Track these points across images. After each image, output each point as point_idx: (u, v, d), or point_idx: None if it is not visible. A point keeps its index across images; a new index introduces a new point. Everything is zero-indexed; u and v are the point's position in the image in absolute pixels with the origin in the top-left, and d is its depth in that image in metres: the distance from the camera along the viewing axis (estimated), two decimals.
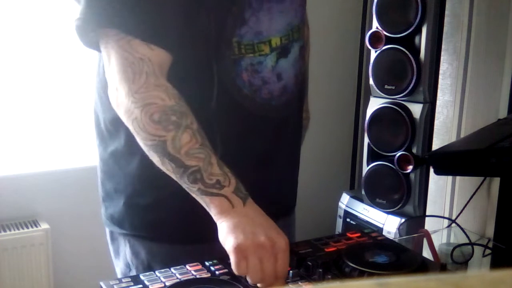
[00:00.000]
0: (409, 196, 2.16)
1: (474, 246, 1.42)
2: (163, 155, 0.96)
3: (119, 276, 1.23)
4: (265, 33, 1.09)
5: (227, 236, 0.92)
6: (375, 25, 2.15)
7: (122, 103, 0.99)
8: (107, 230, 1.25)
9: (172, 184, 0.98)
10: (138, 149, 1.01)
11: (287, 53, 1.13)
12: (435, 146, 1.73)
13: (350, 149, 2.86)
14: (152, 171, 1.00)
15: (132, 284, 0.95)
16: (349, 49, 2.78)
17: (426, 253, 1.37)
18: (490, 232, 1.58)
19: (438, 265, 1.06)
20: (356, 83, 2.79)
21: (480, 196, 1.57)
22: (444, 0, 1.73)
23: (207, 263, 1.02)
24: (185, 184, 0.97)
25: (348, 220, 2.44)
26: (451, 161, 1.31)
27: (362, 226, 2.25)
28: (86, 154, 2.23)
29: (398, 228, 2.10)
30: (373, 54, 2.18)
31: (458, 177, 1.66)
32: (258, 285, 0.92)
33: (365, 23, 2.70)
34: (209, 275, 0.99)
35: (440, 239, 1.55)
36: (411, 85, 2.07)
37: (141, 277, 0.97)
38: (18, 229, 2.15)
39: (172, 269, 1.00)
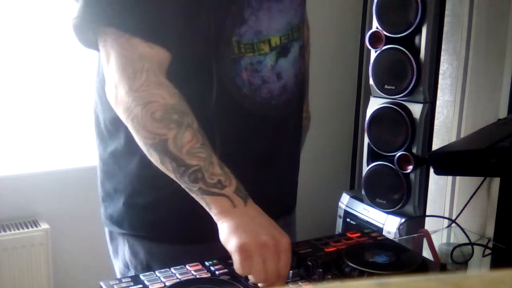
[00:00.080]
0: (409, 196, 2.16)
1: (474, 246, 1.42)
2: (164, 154, 0.96)
3: (118, 276, 1.23)
4: (265, 33, 1.09)
5: (230, 236, 0.92)
6: (375, 25, 2.15)
7: (122, 101, 0.98)
8: (106, 230, 1.25)
9: (172, 184, 0.98)
10: (137, 149, 1.01)
11: (286, 53, 1.13)
12: (435, 146, 1.73)
13: (350, 149, 2.86)
14: (152, 171, 1.00)
15: (132, 284, 0.95)
16: (349, 49, 2.78)
17: (426, 253, 1.37)
18: (490, 232, 1.58)
19: (438, 265, 1.06)
20: (356, 83, 2.79)
21: (480, 196, 1.57)
22: (444, 0, 1.73)
23: (207, 263, 1.02)
24: (185, 184, 0.96)
25: (348, 220, 2.44)
26: (451, 161, 1.31)
27: (362, 226, 2.25)
28: (86, 154, 2.23)
29: (398, 228, 2.10)
30: (373, 54, 2.18)
31: (458, 177, 1.66)
32: (259, 285, 0.92)
33: (365, 23, 2.70)
34: (209, 275, 0.99)
35: (440, 239, 1.55)
36: (411, 85, 2.07)
37: (141, 277, 0.97)
38: (18, 229, 2.15)
39: (172, 269, 1.00)
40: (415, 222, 2.02)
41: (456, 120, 1.66)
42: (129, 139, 1.04)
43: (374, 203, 2.27)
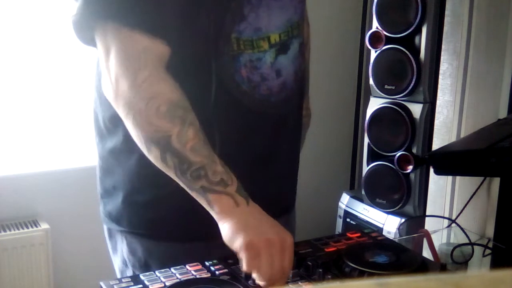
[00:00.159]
0: (409, 196, 2.16)
1: (474, 246, 1.42)
2: (167, 149, 0.96)
3: (117, 273, 1.23)
4: (264, 29, 1.09)
5: (235, 235, 0.92)
6: (375, 25, 2.15)
7: (123, 95, 0.98)
8: (105, 227, 1.25)
9: (171, 183, 0.98)
10: (136, 146, 1.01)
11: (286, 50, 1.13)
12: (435, 146, 1.73)
13: (350, 149, 2.86)
14: (151, 169, 1.00)
15: (132, 284, 0.95)
16: (349, 49, 2.78)
17: (426, 253, 1.37)
18: (490, 232, 1.58)
19: (438, 265, 1.06)
20: (356, 83, 2.79)
21: (480, 196, 1.57)
22: (444, 0, 1.73)
23: (207, 263, 1.02)
24: (186, 181, 0.96)
25: (348, 220, 2.44)
26: (451, 161, 1.31)
27: (362, 226, 2.25)
28: (86, 154, 2.23)
29: (398, 228, 2.10)
30: (373, 54, 2.18)
31: (458, 177, 1.66)
32: (261, 283, 0.92)
33: (365, 23, 2.70)
34: (209, 275, 0.99)
35: (440, 239, 1.55)
36: (411, 85, 2.07)
37: (141, 277, 0.97)
38: (18, 229, 2.15)
39: (172, 269, 1.00)
40: (415, 222, 2.02)
41: (456, 120, 1.66)
42: (128, 136, 1.04)
43: (374, 203, 2.27)
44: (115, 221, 1.19)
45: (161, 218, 1.14)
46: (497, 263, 1.48)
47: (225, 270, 0.99)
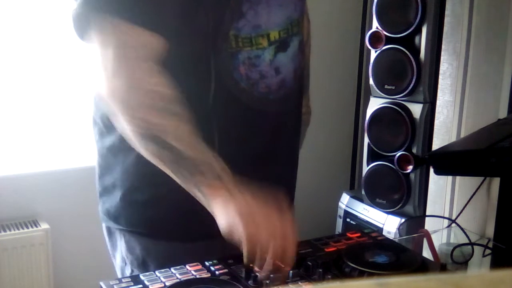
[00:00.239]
0: (409, 196, 2.16)
1: (474, 246, 1.42)
2: (163, 144, 0.96)
3: (117, 270, 1.23)
4: (264, 27, 1.08)
5: (233, 227, 0.92)
6: (375, 25, 2.15)
7: (119, 91, 0.98)
8: (104, 226, 1.24)
9: (170, 181, 0.98)
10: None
11: (286, 47, 1.13)
12: (435, 146, 1.73)
13: (350, 149, 2.86)
14: (150, 167, 1.00)
15: (132, 284, 0.95)
16: (349, 49, 2.78)
17: (426, 253, 1.37)
18: (490, 232, 1.58)
19: (438, 265, 1.06)
20: (356, 83, 2.79)
21: (480, 196, 1.57)
22: (444, 0, 1.73)
23: (207, 263, 1.02)
24: (182, 177, 0.96)
25: (348, 220, 2.44)
26: (451, 161, 1.31)
27: (362, 226, 2.25)
28: (86, 154, 2.23)
29: (398, 228, 2.10)
30: (373, 54, 2.18)
31: (458, 177, 1.66)
32: (264, 273, 0.92)
33: (365, 23, 2.70)
34: (209, 275, 0.99)
35: (440, 239, 1.55)
36: (411, 85, 2.08)
37: (141, 277, 0.97)
38: (18, 229, 2.15)
39: (172, 269, 1.00)
40: (415, 222, 2.02)
41: (456, 120, 1.66)
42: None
43: (374, 203, 2.27)
44: (113, 219, 1.18)
45: (160, 217, 1.14)
46: (497, 263, 1.48)
47: (225, 270, 0.99)
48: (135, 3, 0.99)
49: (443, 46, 1.71)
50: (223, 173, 0.96)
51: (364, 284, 0.35)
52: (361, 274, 0.97)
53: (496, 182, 1.57)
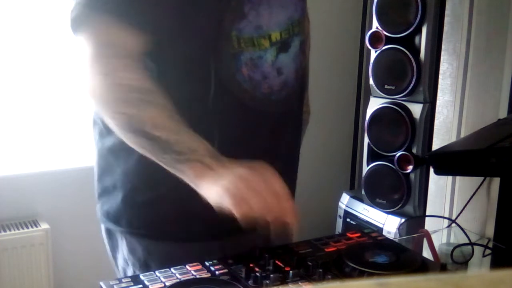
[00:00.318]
0: (409, 196, 2.16)
1: (474, 246, 1.42)
2: (144, 134, 0.98)
3: (120, 271, 1.23)
4: (265, 28, 1.08)
5: (225, 205, 0.92)
6: (375, 25, 2.15)
7: (98, 87, 1.01)
8: (103, 227, 1.24)
9: (171, 182, 0.98)
10: None
11: (287, 48, 1.13)
12: (435, 146, 1.73)
13: (350, 149, 2.86)
14: (151, 168, 1.00)
15: (132, 284, 0.95)
16: (349, 49, 2.78)
17: (426, 253, 1.37)
18: (490, 232, 1.58)
19: (438, 265, 1.06)
20: (356, 83, 2.79)
21: (480, 196, 1.57)
22: (444, 0, 1.73)
23: (207, 263, 1.02)
24: (160, 158, 0.98)
25: (348, 220, 2.44)
26: (451, 161, 1.31)
27: (362, 226, 2.25)
28: (86, 154, 2.23)
29: (398, 228, 2.10)
30: (373, 54, 2.18)
31: (458, 177, 1.66)
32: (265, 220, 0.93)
33: (365, 23, 2.70)
34: (209, 275, 0.98)
35: (440, 239, 1.55)
36: (411, 85, 2.08)
37: (141, 277, 0.97)
38: (18, 229, 2.15)
39: (172, 269, 1.00)
40: (415, 222, 2.02)
41: (456, 120, 1.66)
42: None
43: (374, 203, 2.27)
44: (114, 221, 1.18)
45: (161, 218, 1.14)
46: (497, 263, 1.48)
47: (225, 270, 0.99)
48: (119, 3, 1.00)
49: (443, 46, 1.71)
50: (193, 144, 0.97)
51: (364, 284, 0.35)
52: (361, 274, 0.97)
53: (496, 182, 1.57)
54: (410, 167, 2.12)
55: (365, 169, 2.27)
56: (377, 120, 2.19)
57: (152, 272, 0.98)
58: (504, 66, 1.60)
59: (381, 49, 2.14)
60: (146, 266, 1.14)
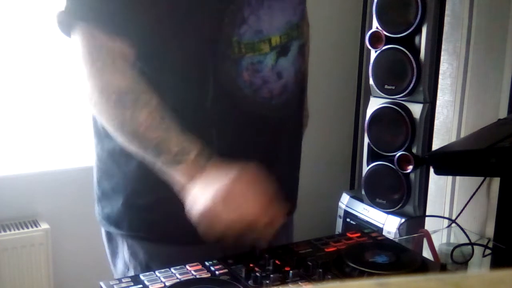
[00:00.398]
0: (409, 196, 2.16)
1: (474, 246, 1.42)
2: (126, 133, 1.01)
3: (118, 275, 1.23)
4: (265, 32, 1.08)
5: (194, 206, 0.96)
6: (375, 25, 2.15)
7: (91, 91, 1.02)
8: (103, 230, 1.24)
9: (172, 185, 0.98)
10: None
11: (287, 52, 1.13)
12: (435, 146, 1.73)
13: (350, 149, 2.86)
14: (152, 171, 1.00)
15: (132, 284, 0.95)
16: (349, 49, 2.78)
17: (426, 253, 1.37)
18: (490, 232, 1.58)
19: (438, 265, 1.06)
20: (356, 83, 2.79)
21: (480, 196, 1.57)
22: (444, 0, 1.73)
23: (207, 263, 1.02)
24: (155, 160, 1.00)
25: (348, 220, 2.44)
26: (451, 161, 1.31)
27: (362, 226, 2.25)
28: (86, 154, 2.23)
29: (398, 228, 2.10)
30: (373, 54, 2.18)
31: (458, 177, 1.66)
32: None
33: (365, 23, 2.70)
34: (209, 275, 0.99)
35: (440, 239, 1.55)
36: (411, 85, 2.08)
37: (141, 277, 0.97)
38: (18, 229, 2.15)
39: (172, 269, 1.00)
40: (415, 222, 2.02)
41: (456, 120, 1.66)
42: None
43: (374, 203, 2.27)
44: (115, 225, 1.18)
45: (162, 221, 1.14)
46: (497, 263, 1.48)
47: (225, 270, 0.99)
48: (102, 12, 1.02)
49: (443, 46, 1.71)
50: (185, 145, 0.99)
51: (364, 284, 0.35)
52: (361, 274, 0.97)
53: (496, 182, 1.57)
54: (410, 167, 2.12)
55: (365, 169, 2.27)
56: (377, 120, 2.19)
57: (152, 272, 0.99)
58: (504, 66, 1.60)
59: (381, 49, 2.14)
60: (147, 269, 1.14)
